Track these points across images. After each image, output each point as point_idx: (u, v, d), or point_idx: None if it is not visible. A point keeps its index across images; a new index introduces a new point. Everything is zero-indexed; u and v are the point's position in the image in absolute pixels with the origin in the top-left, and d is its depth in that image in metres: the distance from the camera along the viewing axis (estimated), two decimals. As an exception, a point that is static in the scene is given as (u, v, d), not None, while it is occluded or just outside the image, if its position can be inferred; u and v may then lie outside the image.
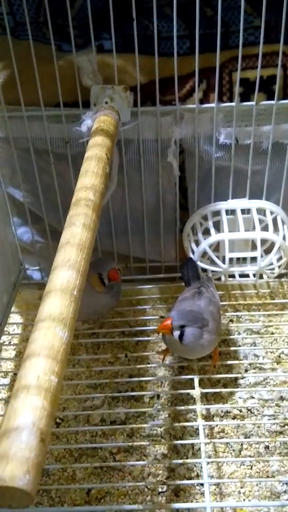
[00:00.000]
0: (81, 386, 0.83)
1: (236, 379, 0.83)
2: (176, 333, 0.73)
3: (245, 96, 0.81)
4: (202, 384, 0.81)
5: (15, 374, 0.84)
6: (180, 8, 0.73)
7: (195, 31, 0.73)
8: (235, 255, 0.90)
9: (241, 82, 0.79)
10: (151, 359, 0.86)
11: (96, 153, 0.66)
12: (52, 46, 0.76)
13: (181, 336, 0.73)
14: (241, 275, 0.94)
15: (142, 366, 0.84)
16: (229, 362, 0.85)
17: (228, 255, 0.85)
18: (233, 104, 0.81)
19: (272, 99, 0.80)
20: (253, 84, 0.79)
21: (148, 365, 0.84)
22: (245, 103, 0.81)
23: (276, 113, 0.81)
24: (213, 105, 0.81)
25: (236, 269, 0.93)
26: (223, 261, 0.86)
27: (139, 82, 0.78)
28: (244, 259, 0.95)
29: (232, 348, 0.87)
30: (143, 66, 0.78)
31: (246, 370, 0.84)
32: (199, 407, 0.75)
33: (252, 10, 0.81)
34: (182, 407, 0.78)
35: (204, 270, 0.90)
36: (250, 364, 0.85)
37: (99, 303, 0.84)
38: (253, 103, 0.80)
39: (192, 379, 0.80)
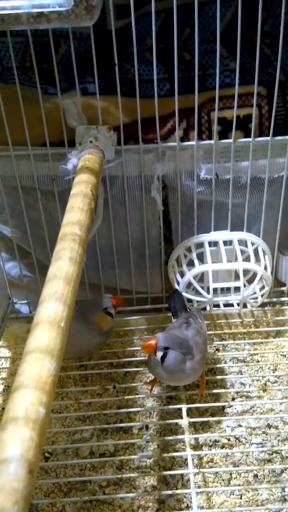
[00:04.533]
0: (69, 419, 0.83)
1: (223, 407, 0.83)
2: (159, 354, 0.74)
3: (223, 134, 0.84)
4: (190, 413, 0.81)
5: (3, 408, 0.83)
6: (160, 53, 0.77)
7: (174, 74, 0.76)
8: (219, 285, 0.91)
9: (219, 121, 0.83)
10: (139, 390, 0.86)
11: (81, 190, 0.68)
12: (38, 90, 0.79)
13: (163, 358, 0.73)
14: (226, 305, 0.96)
15: (130, 397, 0.84)
16: (216, 391, 0.85)
17: (212, 286, 0.87)
18: (212, 141, 0.83)
19: (249, 136, 0.83)
20: (230, 123, 0.82)
21: (137, 396, 0.84)
22: (223, 141, 0.84)
23: (253, 150, 0.84)
24: (193, 143, 0.83)
25: (221, 299, 0.94)
26: (208, 291, 0.88)
27: (122, 122, 0.81)
28: (228, 289, 0.97)
29: (219, 377, 0.87)
30: (126, 107, 0.81)
31: (233, 399, 0.84)
32: (188, 437, 0.75)
33: (227, 54, 0.85)
34: (171, 437, 0.78)
35: (190, 301, 0.91)
36: (237, 393, 0.85)
37: (91, 344, 0.86)
38: (231, 140, 0.83)
39: (180, 409, 0.80)
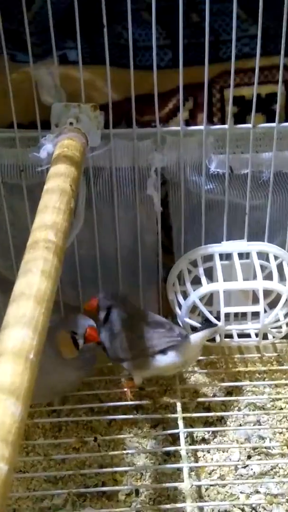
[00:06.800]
0: (37, 480, 0.83)
1: (236, 468, 0.83)
2: (102, 314, 0.86)
3: (240, 117, 0.85)
4: (193, 475, 0.81)
5: None
6: (161, 13, 0.77)
7: (178, 40, 0.77)
8: (233, 309, 0.92)
9: (235, 101, 0.83)
10: (128, 444, 0.86)
11: (58, 184, 0.68)
12: (4, 56, 0.80)
13: (106, 318, 0.85)
14: (241, 335, 0.96)
15: (116, 452, 0.84)
16: (227, 446, 0.85)
17: (223, 310, 0.87)
18: (225, 126, 0.84)
19: (272, 121, 0.84)
20: (249, 103, 0.83)
21: (124, 452, 0.84)
22: (240, 126, 0.85)
23: (277, 138, 0.85)
24: (201, 127, 0.84)
25: (234, 327, 0.95)
26: (218, 318, 0.88)
27: (111, 100, 0.81)
28: (244, 314, 0.97)
29: (231, 428, 0.87)
30: (116, 80, 0.81)
31: (249, 457, 0.84)
32: (190, 506, 0.75)
33: (246, 16, 0.86)
34: (168, 506, 0.77)
35: (195, 329, 0.91)
36: (254, 449, 0.85)
37: (66, 380, 0.85)
38: (249, 125, 0.84)
39: (180, 469, 0.80)
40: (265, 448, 0.85)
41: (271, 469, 0.83)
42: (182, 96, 0.82)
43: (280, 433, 0.87)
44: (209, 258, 0.92)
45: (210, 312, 0.89)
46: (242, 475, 0.82)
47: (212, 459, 0.84)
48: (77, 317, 0.86)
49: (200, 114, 0.85)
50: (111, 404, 0.90)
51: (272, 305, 0.92)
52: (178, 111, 0.84)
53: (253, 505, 0.78)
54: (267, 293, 0.91)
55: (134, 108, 0.82)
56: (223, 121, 0.86)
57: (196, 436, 0.87)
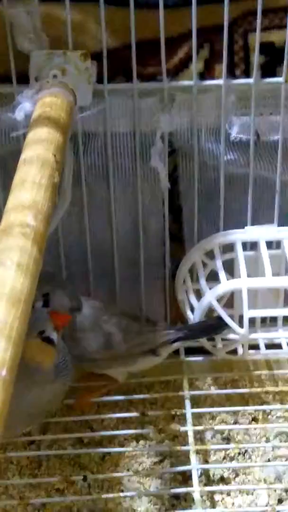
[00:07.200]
0: (11, 530, 0.83)
1: (264, 515, 0.83)
2: (39, 304, 0.84)
3: (269, 68, 0.85)
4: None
5: None
6: None
7: (191, -29, 0.77)
8: (259, 313, 0.92)
9: (262, 48, 0.83)
10: (126, 484, 0.86)
11: (38, 154, 0.68)
12: None
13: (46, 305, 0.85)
14: (269, 345, 0.96)
15: (111, 495, 0.83)
16: (251, 487, 0.85)
17: (247, 314, 0.86)
18: (250, 80, 0.84)
19: (310, 73, 0.84)
20: (280, 52, 0.83)
21: (121, 494, 0.84)
22: (269, 80, 0.85)
23: None
24: (220, 81, 0.84)
25: (261, 336, 0.96)
26: (240, 323, 0.87)
27: (105, 46, 0.81)
28: (273, 319, 0.97)
29: (257, 465, 0.87)
30: (112, 22, 0.81)
31: (280, 501, 0.84)
32: None
33: None
34: None
35: (212, 339, 0.92)
36: (286, 491, 0.84)
37: (44, 397, 0.83)
38: (280, 79, 0.84)
39: (192, 516, 0.79)
40: (301, 489, 0.85)
41: (309, 516, 0.83)
42: (196, 42, 0.81)
43: None
44: (229, 248, 0.92)
45: (231, 316, 0.89)
46: (271, 524, 0.82)
47: (233, 503, 0.84)
48: (35, 315, 0.84)
49: (218, 65, 0.85)
50: (105, 433, 0.90)
51: (309, 307, 0.93)
52: (190, 61, 0.84)
53: None
54: (302, 292, 0.92)
55: (134, 57, 0.81)
56: (247, 74, 0.86)
57: (213, 475, 0.87)
